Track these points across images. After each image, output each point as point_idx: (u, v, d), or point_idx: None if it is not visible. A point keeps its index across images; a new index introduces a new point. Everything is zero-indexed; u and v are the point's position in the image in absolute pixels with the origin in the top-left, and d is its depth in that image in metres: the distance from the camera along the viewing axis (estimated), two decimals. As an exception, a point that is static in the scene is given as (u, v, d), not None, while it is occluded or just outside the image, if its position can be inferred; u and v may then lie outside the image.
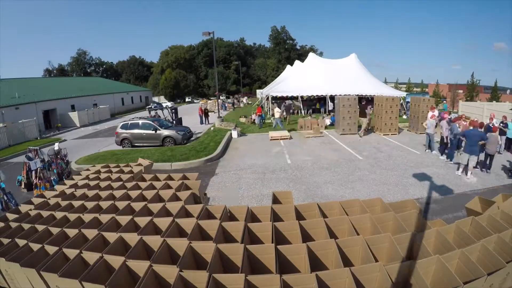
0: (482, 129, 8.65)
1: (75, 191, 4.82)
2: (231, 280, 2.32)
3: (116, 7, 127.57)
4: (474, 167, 8.42)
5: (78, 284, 2.41)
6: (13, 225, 3.79)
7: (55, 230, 3.48)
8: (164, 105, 44.46)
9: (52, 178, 9.05)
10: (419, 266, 2.32)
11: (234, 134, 15.99)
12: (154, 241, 3.03)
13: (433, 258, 2.41)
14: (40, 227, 3.58)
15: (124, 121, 15.73)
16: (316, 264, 2.67)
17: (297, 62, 36.62)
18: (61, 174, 9.64)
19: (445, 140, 10.08)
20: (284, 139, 14.49)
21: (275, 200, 4.25)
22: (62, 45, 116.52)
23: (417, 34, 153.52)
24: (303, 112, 24.98)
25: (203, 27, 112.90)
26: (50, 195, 4.75)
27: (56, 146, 10.17)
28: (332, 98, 23.36)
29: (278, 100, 24.70)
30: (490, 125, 9.60)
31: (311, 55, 30.64)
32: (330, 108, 23.14)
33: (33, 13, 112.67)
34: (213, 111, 31.46)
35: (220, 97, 42.39)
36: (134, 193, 4.45)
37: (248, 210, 3.68)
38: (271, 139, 14.52)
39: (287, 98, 25.33)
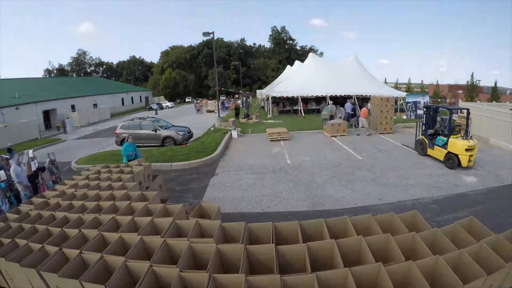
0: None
1: (75, 191, 4.82)
2: (231, 281, 2.32)
3: (116, 6, 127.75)
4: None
5: (78, 284, 2.41)
6: (13, 225, 3.79)
7: (55, 230, 3.48)
8: (164, 105, 44.35)
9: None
10: (419, 266, 2.33)
11: (234, 134, 15.99)
12: (154, 242, 3.04)
13: (433, 258, 2.42)
14: (40, 227, 3.58)
15: (124, 121, 15.75)
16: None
17: (297, 62, 36.67)
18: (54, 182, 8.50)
19: None
20: (284, 139, 14.51)
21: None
22: (62, 45, 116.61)
23: (417, 34, 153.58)
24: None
25: (203, 27, 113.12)
26: (50, 195, 4.75)
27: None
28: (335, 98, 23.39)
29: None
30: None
31: (311, 55, 30.69)
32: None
33: (33, 13, 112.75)
34: (213, 111, 31.50)
35: (220, 97, 42.43)
36: (134, 194, 4.45)
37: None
38: (271, 140, 14.52)
39: (287, 98, 25.35)
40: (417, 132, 11.26)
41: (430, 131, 10.41)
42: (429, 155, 10.28)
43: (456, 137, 9.20)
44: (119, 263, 2.64)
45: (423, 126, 10.77)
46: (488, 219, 5.91)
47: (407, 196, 7.18)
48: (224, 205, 7.16)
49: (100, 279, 2.50)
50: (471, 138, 9.03)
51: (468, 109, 10.13)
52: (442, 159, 9.60)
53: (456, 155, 8.98)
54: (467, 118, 9.79)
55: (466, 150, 8.82)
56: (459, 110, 13.69)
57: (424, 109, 10.96)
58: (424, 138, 10.58)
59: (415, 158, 10.48)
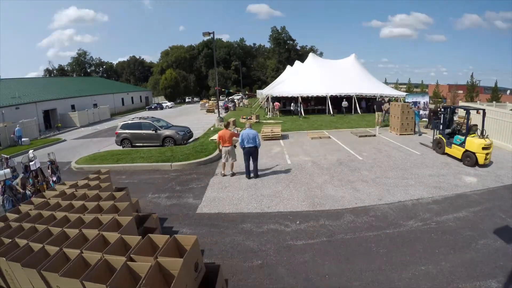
0: None
1: (75, 191, 4.82)
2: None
3: (116, 7, 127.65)
4: None
5: (79, 284, 2.41)
6: (13, 225, 3.79)
7: (55, 230, 3.48)
8: (164, 105, 44.34)
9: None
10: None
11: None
12: (159, 238, 3.03)
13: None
14: (40, 227, 3.58)
15: (124, 121, 15.74)
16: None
17: (297, 62, 36.71)
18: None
19: None
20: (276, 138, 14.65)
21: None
22: (62, 45, 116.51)
23: (418, 34, 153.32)
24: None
25: (203, 27, 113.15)
26: (50, 195, 4.75)
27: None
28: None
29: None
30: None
31: (311, 55, 30.71)
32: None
33: (33, 12, 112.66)
34: (213, 111, 31.50)
35: (221, 96, 42.52)
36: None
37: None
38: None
39: (287, 98, 25.34)
40: (434, 132, 11.80)
41: (448, 130, 10.80)
42: (446, 153, 10.64)
43: (473, 136, 9.46)
44: (120, 262, 2.64)
45: (441, 126, 11.12)
46: (488, 220, 5.92)
47: (407, 196, 7.17)
48: (224, 205, 7.16)
49: (101, 279, 2.50)
50: (487, 137, 9.30)
51: (484, 110, 10.27)
52: (459, 157, 9.87)
53: (474, 153, 9.25)
54: (483, 118, 9.88)
55: (483, 148, 9.10)
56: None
57: (442, 109, 11.45)
58: (442, 137, 10.88)
59: (414, 158, 10.49)
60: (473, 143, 9.24)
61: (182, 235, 3.05)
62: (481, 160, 9.20)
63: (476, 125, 10.12)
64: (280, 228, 5.94)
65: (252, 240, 5.51)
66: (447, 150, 10.59)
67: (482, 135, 9.32)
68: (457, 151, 10.00)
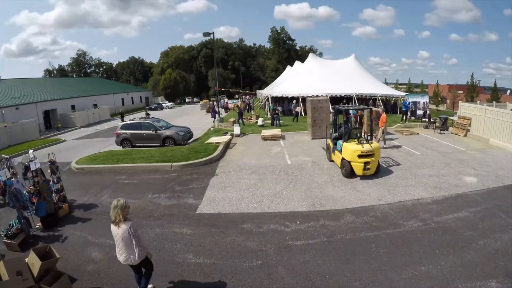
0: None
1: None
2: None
3: (116, 7, 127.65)
4: None
5: None
6: None
7: None
8: (164, 105, 44.43)
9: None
10: None
11: (236, 130, 16.01)
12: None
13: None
14: None
15: (124, 122, 15.74)
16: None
17: (297, 62, 36.74)
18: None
19: None
20: (276, 138, 14.67)
21: None
22: (62, 45, 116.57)
23: (418, 34, 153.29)
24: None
25: (203, 27, 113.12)
26: None
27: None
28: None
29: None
30: None
31: (311, 55, 30.73)
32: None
33: (33, 12, 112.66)
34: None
35: (220, 97, 42.36)
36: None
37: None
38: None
39: (287, 98, 25.35)
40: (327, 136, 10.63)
41: (335, 134, 9.62)
42: (332, 161, 9.34)
43: (353, 142, 8.04)
44: None
45: (331, 130, 9.89)
46: (488, 220, 5.91)
47: (407, 196, 7.17)
48: (224, 205, 7.16)
49: None
50: (371, 143, 7.97)
51: (371, 109, 9.03)
52: (339, 165, 8.41)
53: (349, 162, 7.82)
54: (371, 118, 8.63)
55: (360, 156, 7.55)
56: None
57: (332, 111, 9.73)
58: (330, 142, 9.66)
59: (414, 158, 10.48)
60: (347, 149, 7.73)
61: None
62: (358, 171, 7.60)
63: (359, 128, 8.52)
64: (280, 228, 5.94)
65: (252, 240, 5.51)
66: (332, 157, 9.18)
67: (367, 141, 7.94)
68: (338, 158, 8.57)
